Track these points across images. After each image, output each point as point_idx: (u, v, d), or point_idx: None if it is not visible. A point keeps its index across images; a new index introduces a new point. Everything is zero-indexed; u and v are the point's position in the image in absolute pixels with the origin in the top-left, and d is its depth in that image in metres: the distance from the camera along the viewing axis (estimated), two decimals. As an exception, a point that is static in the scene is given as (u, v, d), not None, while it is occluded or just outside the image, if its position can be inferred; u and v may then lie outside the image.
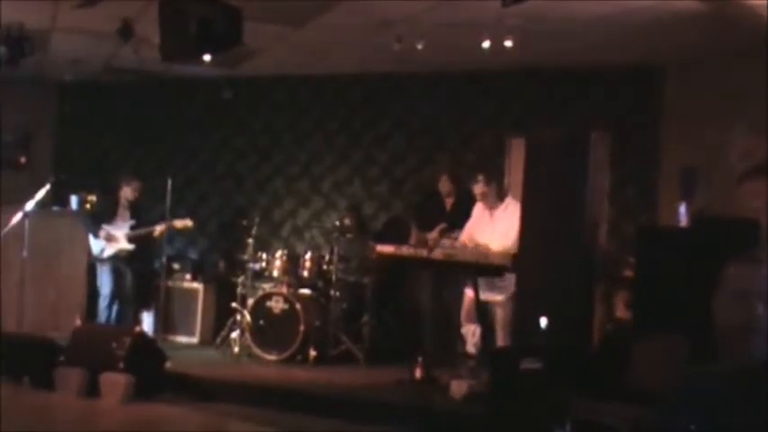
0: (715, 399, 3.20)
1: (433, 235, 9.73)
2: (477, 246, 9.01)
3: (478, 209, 9.39)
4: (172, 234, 11.07)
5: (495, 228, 9.09)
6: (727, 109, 8.80)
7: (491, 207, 9.24)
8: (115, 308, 10.81)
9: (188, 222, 10.84)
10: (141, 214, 11.07)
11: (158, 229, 10.77)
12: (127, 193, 10.90)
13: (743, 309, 3.17)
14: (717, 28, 8.39)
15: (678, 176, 9.79)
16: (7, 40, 9.32)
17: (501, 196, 9.29)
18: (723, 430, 3.14)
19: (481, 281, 8.75)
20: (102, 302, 10.82)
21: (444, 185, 10.31)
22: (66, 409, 8.60)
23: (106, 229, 10.76)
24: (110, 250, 10.78)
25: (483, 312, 8.87)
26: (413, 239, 9.92)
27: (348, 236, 10.80)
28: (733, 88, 8.59)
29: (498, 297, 8.85)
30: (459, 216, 9.74)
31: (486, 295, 8.90)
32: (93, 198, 11.87)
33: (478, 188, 9.28)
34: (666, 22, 8.47)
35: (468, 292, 9.08)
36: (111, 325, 10.59)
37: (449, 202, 10.30)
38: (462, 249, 8.97)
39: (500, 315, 8.88)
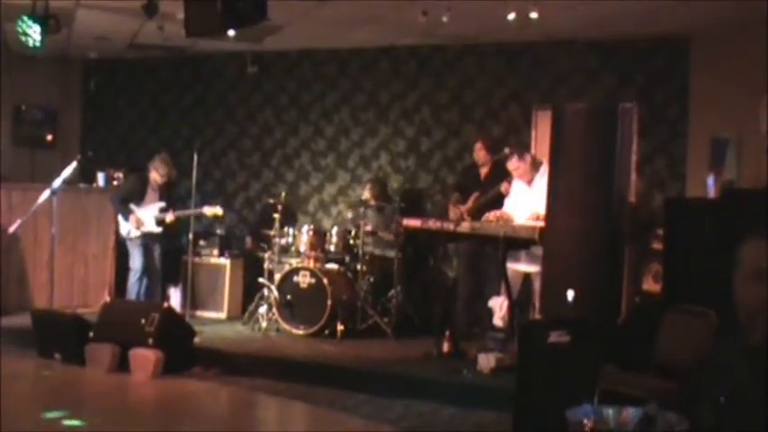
0: (743, 371, 3.17)
1: (467, 206, 9.72)
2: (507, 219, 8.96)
3: (516, 184, 9.32)
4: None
5: (532, 195, 8.96)
6: (756, 79, 8.70)
7: (528, 179, 9.15)
8: (144, 282, 10.86)
9: (218, 211, 10.85)
10: (171, 196, 11.11)
11: (187, 213, 10.87)
12: (155, 176, 10.89)
13: (759, 287, 3.11)
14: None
15: (707, 147, 9.72)
16: (33, 17, 9.34)
17: (536, 166, 9.11)
18: (752, 403, 3.12)
19: (523, 252, 8.74)
20: (133, 277, 10.87)
21: (478, 154, 10.30)
22: (97, 384, 8.68)
23: (135, 212, 10.78)
24: (137, 232, 10.81)
25: (511, 285, 8.85)
26: (451, 212, 9.94)
27: (374, 210, 10.81)
28: (762, 58, 8.50)
29: (535, 269, 8.78)
30: (492, 184, 9.72)
31: (524, 267, 8.89)
32: (119, 175, 11.92)
33: (512, 165, 9.21)
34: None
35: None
36: (140, 301, 10.66)
37: (484, 170, 10.28)
38: (489, 222, 8.94)
39: (538, 287, 8.83)
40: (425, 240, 10.46)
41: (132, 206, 10.81)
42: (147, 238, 10.88)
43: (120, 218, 10.94)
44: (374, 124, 12.06)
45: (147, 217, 10.79)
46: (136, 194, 10.90)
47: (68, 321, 9.53)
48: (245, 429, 7.53)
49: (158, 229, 10.87)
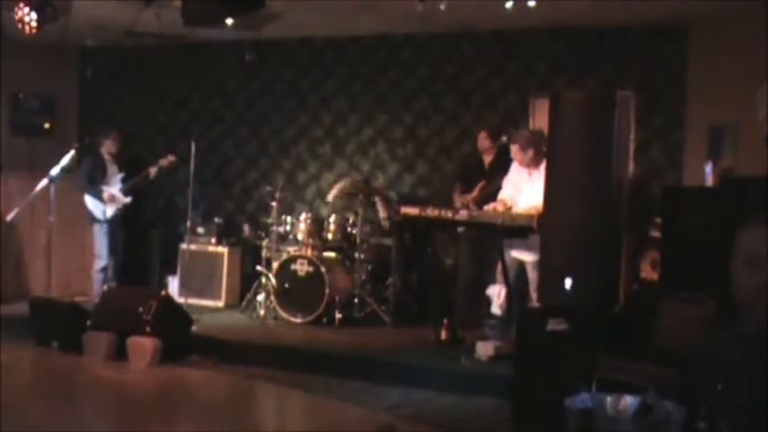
0: (741, 358, 3.17)
1: (473, 195, 9.71)
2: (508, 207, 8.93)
3: (515, 170, 9.24)
4: (197, 199, 11.07)
5: (533, 186, 8.90)
6: (754, 67, 8.69)
7: (529, 168, 9.09)
8: (110, 272, 10.94)
9: (171, 158, 11.07)
10: (128, 165, 11.21)
11: (151, 172, 11.07)
12: (109, 146, 11.06)
13: (756, 274, 3.11)
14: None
15: (705, 135, 9.71)
16: (31, 5, 9.32)
17: (538, 162, 8.87)
18: (750, 390, 3.12)
19: (517, 239, 8.72)
20: (98, 264, 10.96)
21: (483, 142, 10.27)
22: (95, 372, 8.68)
23: (105, 190, 10.85)
24: (111, 211, 10.86)
25: (509, 273, 8.85)
26: (455, 200, 9.92)
27: (371, 198, 10.80)
28: (760, 46, 8.48)
29: (529, 257, 8.77)
30: (498, 172, 9.70)
31: (517, 254, 8.88)
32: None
33: (513, 152, 9.17)
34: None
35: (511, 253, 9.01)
36: (138, 288, 10.67)
37: (487, 159, 10.26)
38: (487, 210, 8.93)
39: (531, 276, 8.82)
40: (423, 228, 10.46)
41: (101, 186, 10.90)
42: (115, 221, 10.92)
43: (92, 202, 10.96)
44: (372, 112, 12.03)
45: (115, 191, 10.87)
46: (98, 173, 10.98)
47: (66, 309, 9.55)
48: (242, 417, 7.53)
49: (128, 200, 11.02)
